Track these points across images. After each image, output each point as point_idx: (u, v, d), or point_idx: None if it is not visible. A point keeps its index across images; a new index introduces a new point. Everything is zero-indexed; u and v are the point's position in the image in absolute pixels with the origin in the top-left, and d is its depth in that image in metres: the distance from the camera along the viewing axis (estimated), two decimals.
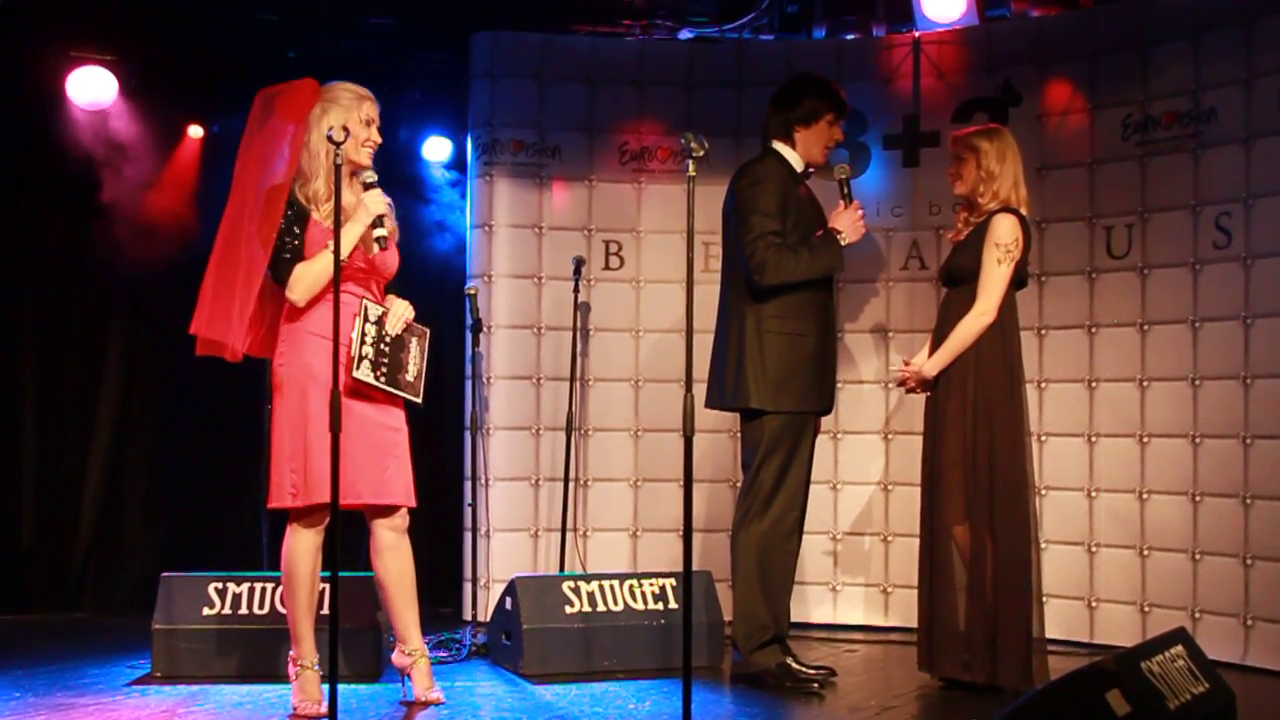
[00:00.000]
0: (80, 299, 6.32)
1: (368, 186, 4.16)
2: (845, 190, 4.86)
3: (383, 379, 4.19)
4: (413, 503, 4.31)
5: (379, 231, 4.16)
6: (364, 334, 4.16)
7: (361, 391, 4.18)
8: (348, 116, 4.20)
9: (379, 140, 4.31)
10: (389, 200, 4.32)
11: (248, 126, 4.31)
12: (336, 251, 3.86)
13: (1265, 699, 4.67)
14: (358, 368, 4.11)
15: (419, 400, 4.31)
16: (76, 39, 5.99)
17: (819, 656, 5.23)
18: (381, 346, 4.21)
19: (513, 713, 4.34)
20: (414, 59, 6.45)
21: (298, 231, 4.16)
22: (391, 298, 4.34)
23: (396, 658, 4.41)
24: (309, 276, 4.15)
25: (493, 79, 6.16)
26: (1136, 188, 5.53)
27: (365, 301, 4.20)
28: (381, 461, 4.23)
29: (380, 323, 4.23)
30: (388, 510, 4.28)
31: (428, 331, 4.39)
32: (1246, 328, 5.17)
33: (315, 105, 4.23)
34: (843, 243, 4.78)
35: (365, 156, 4.26)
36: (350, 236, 4.12)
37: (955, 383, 4.62)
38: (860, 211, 4.86)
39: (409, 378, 4.29)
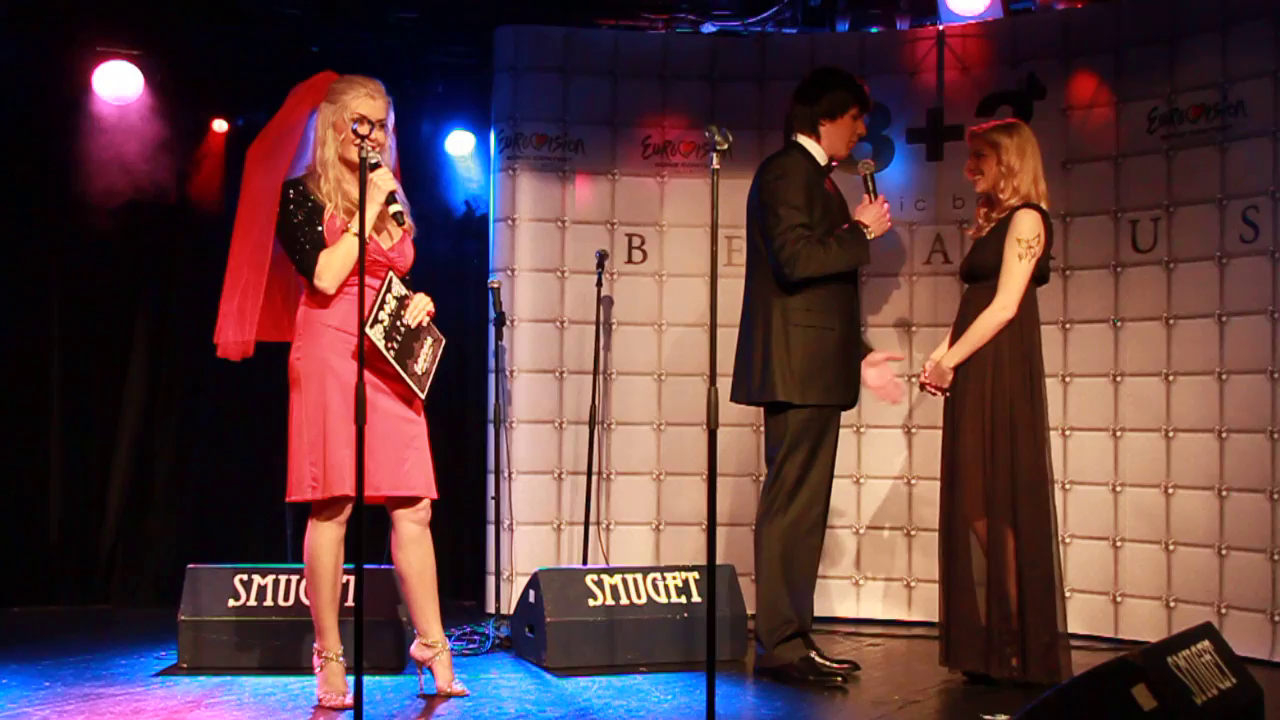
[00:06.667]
0: (106, 293, 6.35)
1: (372, 167, 3.98)
2: (870, 185, 4.85)
3: (392, 353, 4.14)
4: (433, 494, 4.32)
5: (394, 208, 4.13)
6: (384, 302, 4.14)
7: (379, 385, 4.18)
8: (336, 117, 4.20)
9: (372, 135, 4.13)
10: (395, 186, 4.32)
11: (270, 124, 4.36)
12: (361, 246, 3.86)
13: None
14: (372, 327, 4.02)
15: (422, 394, 4.27)
16: (103, 34, 6.03)
17: (842, 651, 5.23)
18: (398, 324, 4.19)
19: (536, 705, 4.35)
20: (437, 53, 6.46)
21: (317, 224, 4.16)
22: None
23: (417, 650, 4.42)
24: (335, 262, 4.14)
25: (516, 73, 6.16)
26: (1162, 181, 5.49)
27: (391, 274, 4.21)
28: (400, 454, 4.23)
29: (403, 302, 4.22)
30: (409, 502, 4.29)
31: (444, 340, 4.36)
32: (1274, 322, 5.13)
33: (323, 101, 4.24)
34: (868, 236, 4.78)
35: (355, 153, 4.15)
36: (368, 218, 4.07)
37: (974, 378, 4.61)
38: (886, 205, 4.85)
39: (417, 369, 4.24)
